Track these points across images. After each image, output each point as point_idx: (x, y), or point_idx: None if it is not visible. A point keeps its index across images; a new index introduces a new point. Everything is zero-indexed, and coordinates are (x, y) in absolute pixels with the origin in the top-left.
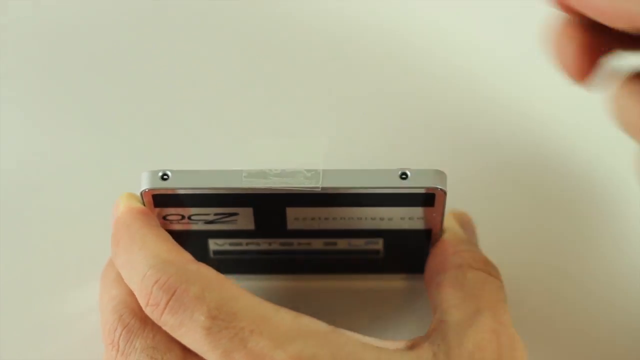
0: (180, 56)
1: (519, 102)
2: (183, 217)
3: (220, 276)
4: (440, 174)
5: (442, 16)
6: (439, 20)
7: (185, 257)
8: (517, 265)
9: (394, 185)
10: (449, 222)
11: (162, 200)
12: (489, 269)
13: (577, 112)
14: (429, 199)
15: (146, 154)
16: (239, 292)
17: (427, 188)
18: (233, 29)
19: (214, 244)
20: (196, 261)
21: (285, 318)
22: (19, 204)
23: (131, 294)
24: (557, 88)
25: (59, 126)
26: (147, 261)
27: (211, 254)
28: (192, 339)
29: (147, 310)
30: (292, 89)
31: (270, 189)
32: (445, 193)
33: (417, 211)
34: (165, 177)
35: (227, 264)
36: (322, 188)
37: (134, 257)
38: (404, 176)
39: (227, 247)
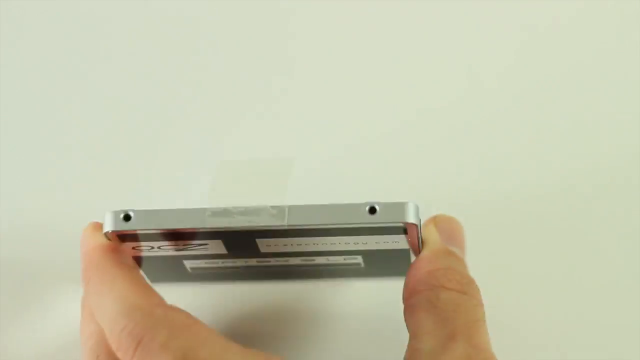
0: (143, 86)
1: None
2: (152, 247)
3: (189, 320)
4: (411, 207)
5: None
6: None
7: (154, 300)
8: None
9: (362, 220)
10: (429, 233)
11: (128, 237)
12: (465, 288)
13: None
14: (402, 229)
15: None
16: (207, 337)
17: (397, 222)
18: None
19: (190, 264)
20: (165, 304)
21: None
22: None
23: None
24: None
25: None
26: (116, 306)
27: (189, 271)
28: None
29: (119, 355)
30: (258, 114)
31: (235, 227)
32: (416, 225)
33: (392, 237)
34: (127, 218)
35: (206, 276)
36: (289, 225)
37: (103, 300)
38: (372, 211)
39: (203, 265)
